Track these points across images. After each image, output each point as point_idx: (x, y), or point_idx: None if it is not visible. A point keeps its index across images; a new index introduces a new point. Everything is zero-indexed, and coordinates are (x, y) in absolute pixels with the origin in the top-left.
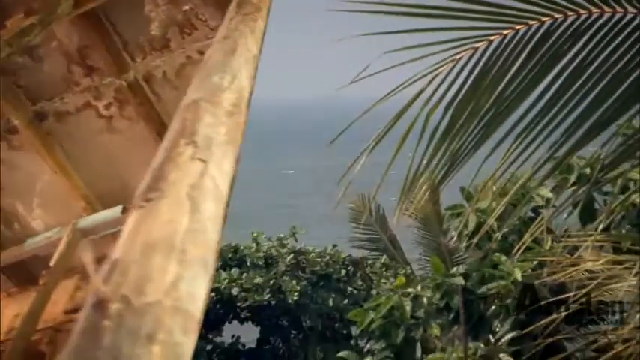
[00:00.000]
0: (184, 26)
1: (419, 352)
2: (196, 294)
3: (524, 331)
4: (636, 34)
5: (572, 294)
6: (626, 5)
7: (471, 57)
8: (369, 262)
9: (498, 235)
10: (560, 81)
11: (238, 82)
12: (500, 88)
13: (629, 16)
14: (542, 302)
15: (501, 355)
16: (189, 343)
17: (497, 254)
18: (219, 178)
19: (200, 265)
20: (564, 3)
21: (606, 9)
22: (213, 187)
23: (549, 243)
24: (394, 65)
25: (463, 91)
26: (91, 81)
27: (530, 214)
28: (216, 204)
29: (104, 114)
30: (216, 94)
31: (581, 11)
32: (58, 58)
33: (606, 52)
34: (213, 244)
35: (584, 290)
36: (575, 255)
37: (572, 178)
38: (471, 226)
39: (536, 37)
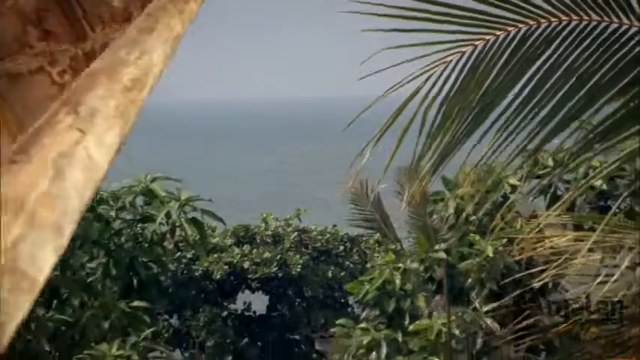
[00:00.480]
0: (147, 0)
1: (407, 320)
2: (39, 257)
3: (500, 302)
4: (598, 40)
5: (539, 268)
6: (591, 13)
7: (459, 59)
8: (364, 239)
9: (475, 218)
10: (533, 82)
11: (148, 59)
12: (484, 87)
13: (593, 24)
14: (516, 276)
15: (488, 319)
16: (18, 303)
17: (472, 234)
18: (95, 150)
19: (51, 230)
20: (538, 11)
21: (574, 17)
22: (85, 158)
23: (519, 224)
24: (395, 64)
25: (454, 90)
26: (46, 46)
27: (501, 199)
28: (86, 174)
29: (57, 80)
30: (117, 69)
31: (552, 19)
32: (12, 17)
33: (573, 56)
34: (72, 212)
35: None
36: (554, 237)
37: (537, 170)
38: (451, 210)
39: (514, 41)
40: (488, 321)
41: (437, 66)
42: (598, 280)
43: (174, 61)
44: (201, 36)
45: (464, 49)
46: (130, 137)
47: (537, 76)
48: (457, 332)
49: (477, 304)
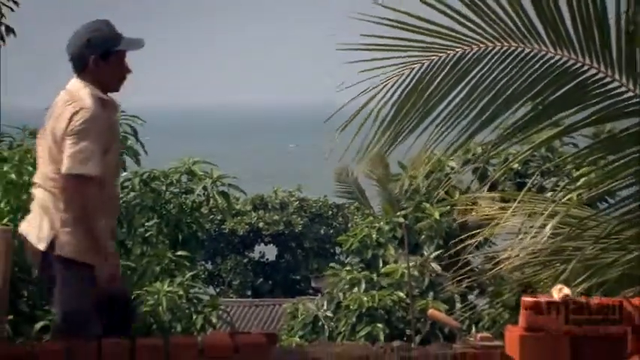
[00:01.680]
0: None
1: (380, 264)
2: None
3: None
4: (515, 61)
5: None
6: (509, 40)
7: (410, 73)
8: (346, 206)
9: (425, 191)
10: (465, 91)
11: None
12: (426, 94)
13: (512, 48)
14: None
15: (434, 264)
16: None
17: (423, 203)
18: None
19: None
20: (469, 39)
21: (497, 43)
22: None
23: (457, 196)
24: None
25: (404, 95)
26: None
27: (444, 177)
28: None
29: None
30: None
31: (480, 45)
32: None
33: (495, 72)
34: None
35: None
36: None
37: (470, 155)
38: (406, 186)
39: (452, 61)
40: (434, 265)
41: (392, 77)
42: (519, 238)
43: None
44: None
45: (413, 66)
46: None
47: (468, 87)
48: (415, 273)
49: (427, 254)
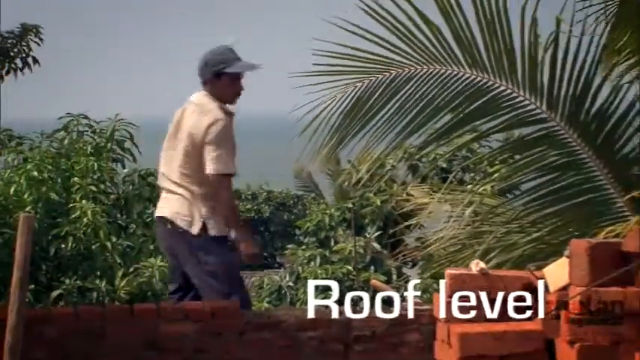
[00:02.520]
0: None
1: (332, 243)
2: None
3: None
4: (438, 80)
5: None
6: (433, 63)
7: (354, 89)
8: (305, 197)
9: (369, 184)
10: (397, 104)
11: None
12: (367, 106)
13: (436, 70)
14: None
15: (375, 244)
16: None
17: (367, 193)
18: None
19: None
20: (402, 62)
21: (423, 67)
22: None
23: (394, 187)
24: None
25: (349, 107)
26: None
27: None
28: None
29: None
30: None
31: (411, 68)
32: None
33: (423, 89)
34: None
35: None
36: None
37: (405, 154)
38: (354, 179)
39: (387, 80)
40: (375, 244)
41: (339, 93)
42: (444, 222)
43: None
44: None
45: (356, 85)
46: None
47: (400, 101)
48: (360, 250)
49: (369, 235)
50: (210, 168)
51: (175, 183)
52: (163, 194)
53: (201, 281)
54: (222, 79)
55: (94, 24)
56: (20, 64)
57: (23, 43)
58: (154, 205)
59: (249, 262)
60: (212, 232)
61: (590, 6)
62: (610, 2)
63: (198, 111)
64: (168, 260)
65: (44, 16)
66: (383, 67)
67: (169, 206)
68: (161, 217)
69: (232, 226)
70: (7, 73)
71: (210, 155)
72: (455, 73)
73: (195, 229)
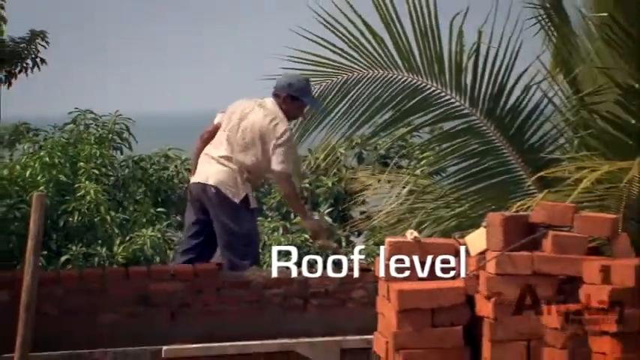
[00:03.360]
0: None
1: (292, 216)
2: None
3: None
4: (381, 82)
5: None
6: (377, 69)
7: (313, 90)
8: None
9: (322, 169)
10: (349, 102)
11: None
12: (324, 104)
13: (378, 74)
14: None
15: (327, 217)
16: None
17: (322, 176)
18: None
19: None
20: (350, 67)
21: (370, 71)
22: None
23: (344, 171)
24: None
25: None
26: None
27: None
28: None
29: None
30: None
31: (361, 72)
32: None
33: (370, 89)
34: None
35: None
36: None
37: (353, 143)
38: (311, 164)
39: (341, 82)
40: (327, 218)
41: None
42: (385, 199)
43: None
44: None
45: (315, 86)
46: None
47: (350, 100)
48: None
49: (322, 210)
50: (278, 166)
51: (228, 158)
52: (207, 162)
53: (223, 239)
54: (295, 102)
55: (97, 28)
56: (30, 64)
57: (32, 46)
58: (145, 185)
59: (322, 251)
60: (251, 205)
61: (506, 21)
62: (522, 13)
63: (270, 116)
64: (192, 216)
65: (52, 19)
66: (337, 71)
67: (215, 175)
68: (200, 183)
69: (301, 216)
70: (20, 72)
71: (279, 156)
72: (395, 76)
73: (237, 199)
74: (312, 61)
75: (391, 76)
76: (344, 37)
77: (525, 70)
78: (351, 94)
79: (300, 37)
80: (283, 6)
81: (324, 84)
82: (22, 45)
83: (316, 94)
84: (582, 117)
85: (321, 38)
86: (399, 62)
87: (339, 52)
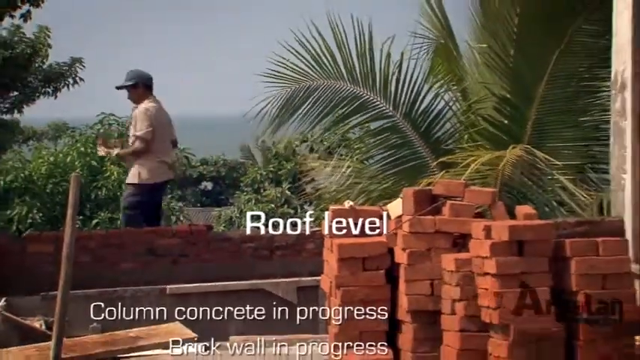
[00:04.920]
0: None
1: (262, 191)
2: None
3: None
4: (331, 90)
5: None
6: (329, 79)
7: (283, 94)
8: (246, 162)
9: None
10: (309, 106)
11: None
12: (290, 107)
13: (329, 83)
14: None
15: (287, 191)
16: None
17: (283, 162)
18: None
19: None
20: (310, 77)
21: (323, 81)
22: None
23: (299, 157)
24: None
25: (279, 107)
26: None
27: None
28: None
29: None
30: None
31: (319, 82)
32: None
33: (323, 96)
34: None
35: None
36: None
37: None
38: (273, 153)
39: (303, 90)
40: (287, 192)
41: (273, 96)
42: (330, 178)
43: None
44: None
45: (284, 91)
46: None
47: (309, 104)
48: (278, 195)
49: (284, 186)
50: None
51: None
52: (164, 164)
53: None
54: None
55: (121, 49)
56: (71, 82)
57: (73, 69)
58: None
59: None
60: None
61: (421, 46)
62: (430, 43)
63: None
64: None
65: (86, 44)
66: (302, 79)
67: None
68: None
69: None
70: (63, 87)
71: None
72: (342, 85)
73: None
74: (288, 66)
75: (339, 86)
76: (309, 52)
77: (433, 84)
78: (311, 98)
79: (282, 47)
80: (264, 25)
81: (290, 89)
82: (64, 68)
83: (287, 96)
84: (470, 119)
85: (295, 50)
86: (345, 75)
87: (305, 62)
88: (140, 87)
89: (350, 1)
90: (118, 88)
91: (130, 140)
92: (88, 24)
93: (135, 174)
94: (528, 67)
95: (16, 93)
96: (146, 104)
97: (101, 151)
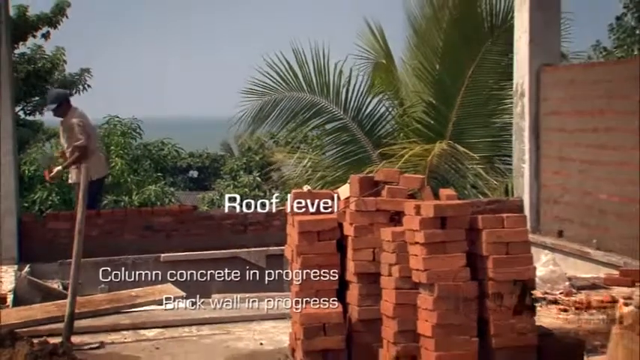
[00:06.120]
0: None
1: (238, 178)
2: None
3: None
4: (294, 100)
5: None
6: (293, 91)
7: (256, 104)
8: (226, 154)
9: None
10: (278, 113)
11: None
12: (263, 113)
13: (293, 94)
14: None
15: (257, 178)
16: None
17: (253, 154)
18: None
19: None
20: (278, 89)
21: (287, 92)
22: None
23: (266, 151)
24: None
25: (254, 114)
26: None
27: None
28: None
29: None
30: None
31: (282, 94)
32: None
33: (287, 105)
34: None
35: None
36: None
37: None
38: (246, 147)
39: (272, 100)
40: (258, 179)
41: (248, 105)
42: (294, 168)
43: None
44: None
45: (257, 101)
46: None
47: (279, 112)
48: (251, 180)
49: (255, 174)
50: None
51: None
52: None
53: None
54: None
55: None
56: (81, 88)
57: (82, 78)
58: (150, 160)
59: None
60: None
61: (367, 63)
62: (373, 60)
63: None
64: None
65: (96, 55)
66: (271, 92)
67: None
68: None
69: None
70: (75, 93)
71: None
72: (303, 96)
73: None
74: (259, 83)
75: (301, 96)
76: (276, 72)
77: (375, 93)
78: (279, 106)
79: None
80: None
81: (265, 98)
82: (76, 77)
83: (262, 105)
84: (405, 120)
85: (265, 71)
86: (305, 87)
87: (273, 79)
88: (64, 104)
89: (310, 29)
90: (47, 110)
91: (69, 151)
92: (97, 38)
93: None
94: (450, 79)
95: (37, 98)
96: (76, 117)
97: (48, 177)
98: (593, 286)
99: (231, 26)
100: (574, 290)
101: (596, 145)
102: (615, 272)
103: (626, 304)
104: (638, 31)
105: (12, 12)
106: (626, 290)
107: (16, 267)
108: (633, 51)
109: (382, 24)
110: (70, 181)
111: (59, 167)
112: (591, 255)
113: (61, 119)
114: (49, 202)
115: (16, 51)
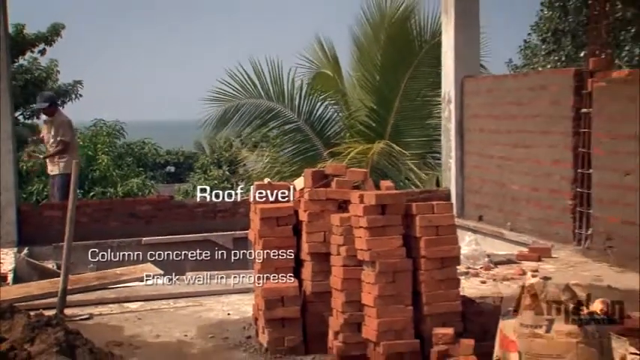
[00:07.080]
0: None
1: (209, 171)
2: None
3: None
4: (254, 107)
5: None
6: (254, 98)
7: (222, 109)
8: (198, 152)
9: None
10: (240, 118)
11: None
12: (227, 117)
13: (253, 101)
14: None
15: (226, 172)
16: None
17: (223, 151)
18: None
19: None
20: (240, 96)
21: (250, 100)
22: None
23: (234, 149)
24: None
25: (219, 117)
26: None
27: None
28: None
29: None
30: None
31: (245, 100)
32: None
33: (249, 111)
34: None
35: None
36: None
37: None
38: (221, 144)
39: (235, 106)
40: (227, 172)
41: (215, 109)
42: (259, 162)
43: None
44: None
45: (223, 107)
46: None
47: (241, 117)
48: (220, 174)
49: (224, 169)
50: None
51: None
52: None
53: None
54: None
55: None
56: (73, 97)
57: (75, 88)
58: (133, 157)
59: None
60: None
61: (318, 72)
62: (323, 70)
63: None
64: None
65: (87, 67)
66: (233, 99)
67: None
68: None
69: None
70: (67, 101)
71: None
72: (262, 102)
73: None
74: (222, 92)
75: (260, 102)
76: (237, 81)
77: (325, 99)
78: (241, 111)
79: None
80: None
81: (230, 103)
82: (69, 87)
83: (225, 110)
84: (351, 123)
85: (226, 81)
86: (263, 94)
87: (234, 88)
88: (53, 105)
89: (267, 44)
90: (38, 109)
91: (54, 143)
92: (88, 50)
93: (63, 167)
94: (388, 88)
95: (34, 105)
96: (64, 117)
97: (26, 156)
98: (507, 262)
99: (203, 39)
100: (492, 265)
101: (510, 144)
102: (525, 250)
103: (534, 276)
104: (542, 51)
105: (10, 29)
106: (533, 264)
107: (15, 250)
108: (537, 66)
109: (334, 41)
110: (49, 172)
111: (41, 155)
112: (506, 235)
113: (48, 118)
114: (45, 193)
115: (15, 64)
